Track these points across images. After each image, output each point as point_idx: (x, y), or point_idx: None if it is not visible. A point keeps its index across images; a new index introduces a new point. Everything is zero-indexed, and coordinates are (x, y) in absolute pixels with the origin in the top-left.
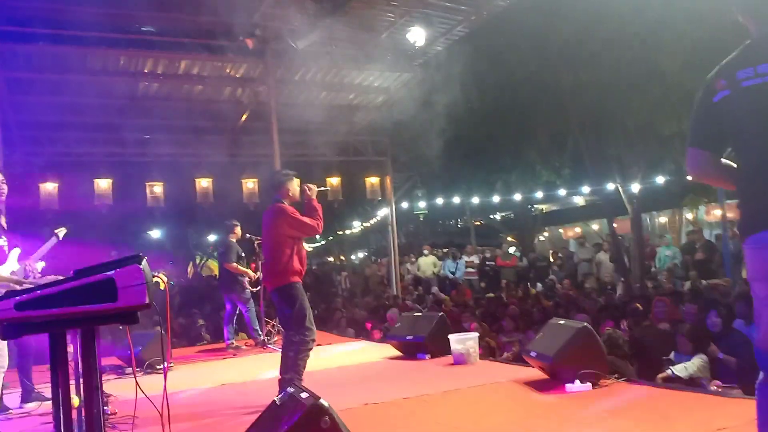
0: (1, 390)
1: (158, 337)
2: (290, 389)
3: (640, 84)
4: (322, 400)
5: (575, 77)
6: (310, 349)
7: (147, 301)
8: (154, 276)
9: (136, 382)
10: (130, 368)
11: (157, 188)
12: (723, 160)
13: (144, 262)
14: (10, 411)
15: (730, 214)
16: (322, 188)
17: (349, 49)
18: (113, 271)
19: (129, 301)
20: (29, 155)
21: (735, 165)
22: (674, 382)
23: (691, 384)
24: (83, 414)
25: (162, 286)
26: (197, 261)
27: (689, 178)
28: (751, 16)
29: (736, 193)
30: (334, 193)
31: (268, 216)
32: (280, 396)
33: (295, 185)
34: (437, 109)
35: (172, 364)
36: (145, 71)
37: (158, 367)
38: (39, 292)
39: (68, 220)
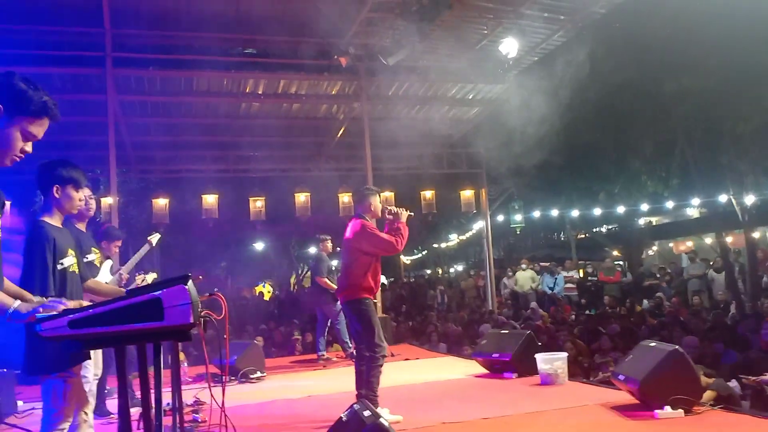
0: (99, 395)
1: (253, 348)
2: (356, 406)
3: (752, 86)
4: (381, 420)
5: (678, 83)
6: (381, 364)
7: (192, 320)
8: (258, 286)
9: (211, 393)
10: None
11: (259, 202)
12: None
13: (190, 282)
14: (112, 415)
15: None
16: (411, 214)
17: (442, 62)
18: (160, 292)
19: (175, 321)
20: (143, 173)
21: None
22: None
23: None
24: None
25: (267, 297)
26: (300, 272)
27: None
28: None
29: None
30: (428, 206)
31: (348, 230)
32: (346, 412)
33: (377, 201)
34: (533, 120)
35: (264, 374)
36: (247, 91)
37: (252, 376)
38: (91, 311)
39: (178, 233)
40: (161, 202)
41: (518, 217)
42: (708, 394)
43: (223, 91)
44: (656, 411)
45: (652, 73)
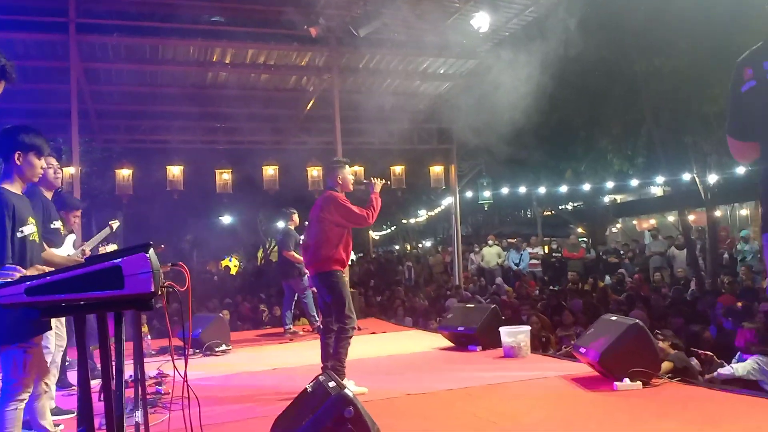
0: (61, 366)
1: (219, 321)
2: (321, 377)
3: (721, 67)
4: (347, 390)
5: (649, 63)
6: (351, 336)
7: (153, 289)
8: (225, 259)
9: (174, 365)
10: (191, 350)
11: (226, 175)
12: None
13: (151, 251)
14: (73, 387)
15: None
16: (387, 183)
17: (414, 36)
18: (120, 259)
19: (136, 289)
20: (107, 142)
21: None
22: (730, 383)
23: (753, 387)
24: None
25: (234, 271)
26: (267, 246)
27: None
28: None
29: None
30: (397, 182)
31: (318, 202)
32: (311, 383)
33: (346, 173)
34: (504, 97)
35: (230, 347)
36: (214, 60)
37: (217, 349)
38: (48, 278)
39: (142, 205)
40: (125, 173)
41: (486, 194)
42: (665, 366)
43: (189, 60)
44: (615, 383)
45: (624, 53)
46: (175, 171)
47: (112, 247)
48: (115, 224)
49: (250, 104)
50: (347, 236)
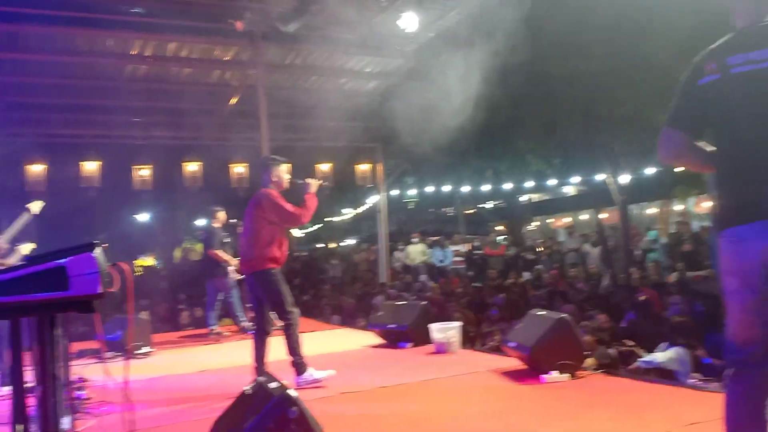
0: None
1: (139, 322)
2: (260, 378)
3: (630, 73)
4: (290, 391)
5: (566, 66)
6: (297, 327)
7: (100, 290)
8: (139, 259)
9: (105, 368)
10: (110, 353)
11: (145, 171)
12: (699, 143)
13: (98, 249)
14: None
15: None
16: (323, 183)
17: (341, 33)
18: (65, 259)
19: (81, 290)
20: (16, 136)
21: (711, 149)
22: (649, 373)
23: (668, 376)
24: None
25: (139, 272)
26: (185, 245)
27: (662, 160)
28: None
29: (714, 181)
30: (324, 179)
31: (252, 200)
32: (250, 385)
33: (280, 171)
34: (429, 97)
35: (152, 349)
36: (133, 53)
37: (138, 352)
38: None
39: (55, 203)
40: (36, 169)
41: (412, 192)
42: (589, 362)
43: (107, 52)
44: (543, 375)
45: (543, 56)
46: (90, 167)
47: (29, 247)
48: (36, 205)
49: (172, 99)
50: (281, 234)
